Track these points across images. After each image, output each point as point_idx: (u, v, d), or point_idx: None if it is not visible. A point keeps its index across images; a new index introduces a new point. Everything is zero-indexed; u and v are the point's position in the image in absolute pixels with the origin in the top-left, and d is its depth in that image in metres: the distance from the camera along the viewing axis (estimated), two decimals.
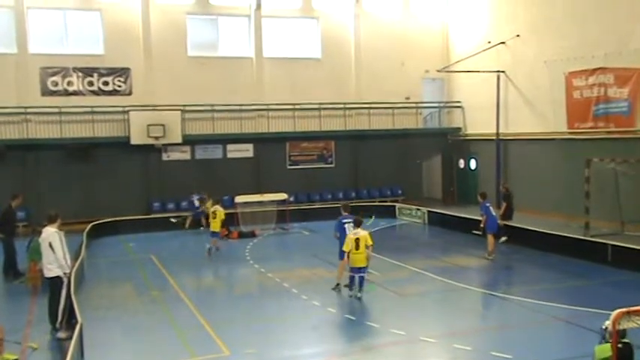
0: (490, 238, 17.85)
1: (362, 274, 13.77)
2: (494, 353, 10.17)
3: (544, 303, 13.11)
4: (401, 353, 10.79)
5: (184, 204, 25.34)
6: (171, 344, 11.26)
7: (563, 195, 23.40)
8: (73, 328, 10.45)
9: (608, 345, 6.92)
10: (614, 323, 6.71)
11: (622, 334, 6.89)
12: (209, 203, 23.19)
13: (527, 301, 13.44)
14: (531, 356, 10.03)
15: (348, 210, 15.20)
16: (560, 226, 20.31)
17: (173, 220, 24.45)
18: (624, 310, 6.77)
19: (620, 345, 6.82)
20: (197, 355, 10.64)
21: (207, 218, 22.34)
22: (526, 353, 10.23)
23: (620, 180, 20.35)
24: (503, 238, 19.37)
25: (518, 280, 15.73)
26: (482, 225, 18.00)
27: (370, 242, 13.68)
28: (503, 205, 20.10)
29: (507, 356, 10.04)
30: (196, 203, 24.41)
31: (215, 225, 19.76)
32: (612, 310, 6.89)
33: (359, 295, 13.75)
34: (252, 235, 22.90)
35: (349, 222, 14.38)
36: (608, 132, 22.15)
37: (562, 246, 18.06)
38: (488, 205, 17.95)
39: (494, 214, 18.08)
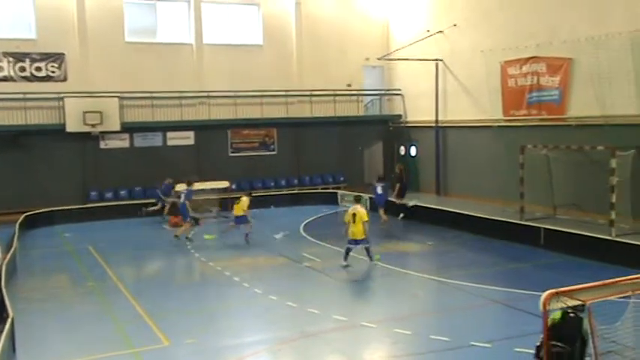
0: (381, 211, 21.26)
1: (366, 245, 15.68)
2: (433, 336, 10.40)
3: (481, 286, 13.48)
4: (342, 339, 10.89)
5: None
6: (108, 336, 11.04)
7: (500, 180, 23.91)
8: (4, 322, 10.13)
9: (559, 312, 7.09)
10: (544, 304, 6.91)
11: (580, 307, 7.03)
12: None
13: (464, 284, 13.78)
14: (469, 338, 10.27)
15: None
16: (497, 211, 20.85)
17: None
18: (554, 291, 6.99)
19: (572, 314, 7.03)
20: (135, 346, 10.48)
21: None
22: (464, 335, 10.47)
23: (552, 166, 21.03)
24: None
25: (456, 264, 16.08)
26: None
27: (366, 219, 15.48)
28: (397, 185, 21.40)
29: (445, 339, 10.28)
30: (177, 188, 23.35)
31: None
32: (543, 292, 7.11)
33: (374, 262, 15.74)
34: (197, 223, 22.55)
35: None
36: (541, 119, 22.80)
37: (498, 230, 18.64)
38: (375, 186, 21.75)
39: (379, 192, 21.48)
